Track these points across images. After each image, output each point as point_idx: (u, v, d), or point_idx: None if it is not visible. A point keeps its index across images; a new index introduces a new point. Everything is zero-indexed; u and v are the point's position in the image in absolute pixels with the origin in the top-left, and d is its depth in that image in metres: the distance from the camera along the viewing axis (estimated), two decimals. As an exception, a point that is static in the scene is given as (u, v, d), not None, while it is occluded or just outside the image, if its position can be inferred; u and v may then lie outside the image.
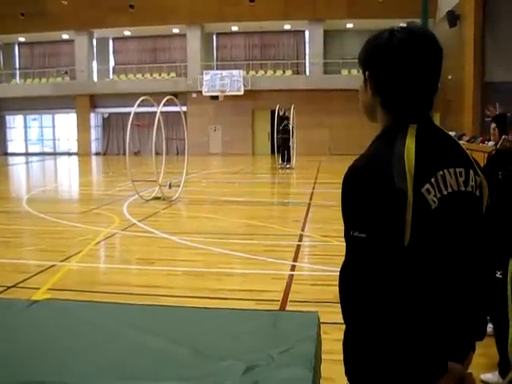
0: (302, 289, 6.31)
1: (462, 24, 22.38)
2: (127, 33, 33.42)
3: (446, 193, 1.55)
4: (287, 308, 5.59)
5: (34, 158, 31.74)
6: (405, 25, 1.63)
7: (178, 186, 14.02)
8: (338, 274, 1.56)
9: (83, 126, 33.27)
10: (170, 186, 13.94)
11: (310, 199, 13.44)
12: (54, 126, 35.54)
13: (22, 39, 34.53)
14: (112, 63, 35.31)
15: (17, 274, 6.88)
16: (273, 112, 25.59)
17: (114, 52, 35.37)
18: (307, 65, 32.52)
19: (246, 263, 7.59)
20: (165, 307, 4.00)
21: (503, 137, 4.15)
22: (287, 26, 32.11)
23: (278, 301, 5.82)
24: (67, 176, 23.77)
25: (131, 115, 13.60)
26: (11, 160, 30.76)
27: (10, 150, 35.48)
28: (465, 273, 1.64)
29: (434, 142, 1.61)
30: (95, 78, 33.94)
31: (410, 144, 1.55)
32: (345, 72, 30.62)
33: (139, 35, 33.42)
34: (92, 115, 33.57)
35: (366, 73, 1.67)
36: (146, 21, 30.55)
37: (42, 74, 34.32)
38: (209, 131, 31.96)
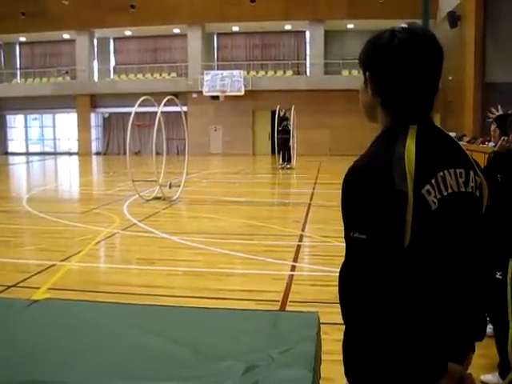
0: (302, 289, 6.31)
1: (462, 24, 22.37)
2: (128, 33, 33.42)
3: (446, 194, 1.55)
4: (287, 308, 5.59)
5: (35, 158, 31.74)
6: (405, 25, 1.63)
7: (179, 186, 14.03)
8: (338, 274, 1.56)
9: (84, 126, 33.27)
10: (170, 186, 13.94)
11: (311, 199, 13.44)
12: (54, 126, 35.53)
13: (22, 39, 34.52)
14: (113, 63, 35.30)
15: (17, 274, 6.88)
16: (273, 112, 25.58)
17: (114, 52, 35.37)
18: (308, 65, 32.52)
19: (246, 263, 7.59)
20: (165, 307, 4.00)
21: (502, 138, 4.13)
22: (288, 27, 32.10)
23: (278, 301, 5.82)
24: (67, 176, 23.78)
25: (132, 115, 13.60)
26: (12, 159, 30.76)
27: (10, 150, 35.47)
28: (465, 273, 1.64)
29: (434, 142, 1.61)
30: (96, 78, 33.95)
31: (411, 145, 1.55)
32: (345, 72, 30.62)
33: (140, 35, 33.42)
34: (92, 115, 33.57)
35: (367, 73, 1.67)
36: (147, 21, 30.55)
37: (42, 74, 34.33)
38: (209, 131, 31.96)
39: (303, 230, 9.72)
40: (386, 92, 1.63)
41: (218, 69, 32.32)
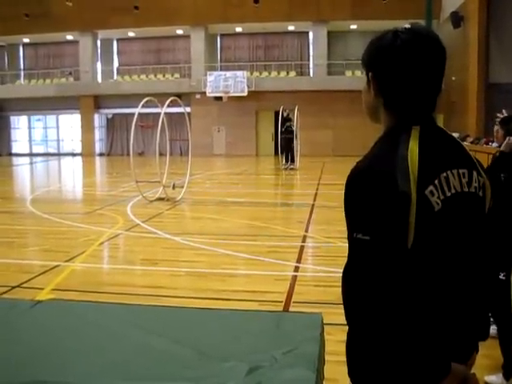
0: (306, 290, 6.30)
1: (466, 25, 22.34)
2: (131, 34, 33.47)
3: (449, 194, 1.55)
4: (290, 309, 5.59)
5: (38, 159, 31.81)
6: (408, 26, 1.63)
7: (182, 186, 14.04)
8: (341, 275, 1.56)
9: (87, 127, 33.34)
10: (173, 187, 13.95)
11: (314, 200, 13.43)
12: (58, 127, 35.60)
13: (26, 40, 34.60)
14: (116, 64, 35.35)
15: (21, 274, 6.90)
16: (277, 113, 25.59)
17: (118, 53, 35.42)
18: (311, 66, 32.51)
19: (250, 264, 7.59)
20: (168, 308, 4.00)
21: (508, 138, 4.13)
22: (291, 27, 32.12)
23: (282, 302, 5.81)
24: (71, 176, 23.82)
25: (135, 116, 13.61)
26: (15, 160, 30.83)
27: (14, 151, 35.56)
28: (468, 274, 1.64)
29: (437, 143, 1.61)
30: (99, 79, 34.03)
31: (414, 146, 1.55)
32: (349, 73, 30.62)
33: (143, 36, 33.47)
34: (96, 116, 33.64)
35: (370, 74, 1.67)
36: (150, 22, 30.59)
37: (46, 75, 34.38)
38: (212, 132, 31.98)
39: (306, 231, 9.72)
40: (388, 92, 1.63)
41: (221, 70, 32.34)
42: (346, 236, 1.54)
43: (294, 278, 6.79)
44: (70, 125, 34.97)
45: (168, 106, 13.75)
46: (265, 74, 32.41)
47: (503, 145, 4.17)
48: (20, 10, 31.02)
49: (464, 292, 1.63)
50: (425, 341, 1.49)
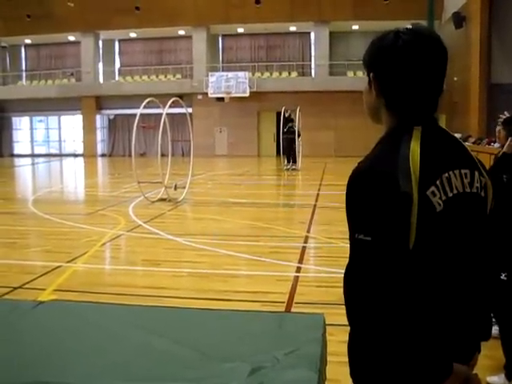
0: (308, 290, 6.30)
1: (468, 25, 22.31)
2: (133, 34, 33.51)
3: (451, 195, 1.55)
4: (292, 310, 5.59)
5: (40, 160, 31.85)
6: (410, 26, 1.63)
7: (184, 187, 14.04)
8: (343, 276, 1.56)
9: (89, 128, 33.37)
10: (175, 188, 13.95)
11: (316, 201, 13.43)
12: (59, 128, 35.64)
13: (28, 41, 34.68)
14: (118, 65, 35.41)
15: (23, 275, 6.90)
16: (278, 114, 25.59)
17: (119, 54, 35.48)
18: (313, 66, 32.51)
19: (252, 265, 7.59)
20: (169, 308, 4.00)
21: (510, 139, 4.13)
22: (293, 28, 32.14)
23: (284, 302, 5.81)
24: (73, 177, 23.84)
25: (137, 117, 13.64)
26: (17, 161, 30.88)
27: (16, 152, 35.60)
28: (470, 274, 1.63)
29: (438, 143, 1.61)
30: (101, 80, 34.05)
31: (415, 146, 1.54)
32: (350, 74, 30.62)
33: (145, 37, 33.51)
34: (98, 117, 33.66)
35: (371, 74, 1.66)
36: (152, 22, 30.62)
37: (48, 76, 34.45)
38: (214, 133, 32.00)
39: (308, 232, 9.71)
40: (390, 93, 1.63)
41: (222, 70, 32.37)
42: (348, 237, 1.54)
43: (296, 278, 6.79)
44: (71, 126, 35.01)
45: (170, 106, 13.74)
46: (266, 74, 32.42)
47: (505, 146, 4.17)
48: (22, 10, 31.07)
49: (466, 292, 1.62)
50: (427, 341, 1.49)
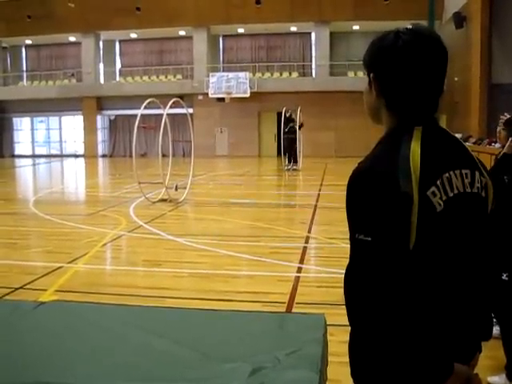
0: (308, 291, 6.30)
1: (468, 25, 22.30)
2: (134, 35, 33.52)
3: (451, 195, 1.55)
4: (293, 310, 5.58)
5: (41, 160, 31.86)
6: (410, 26, 1.63)
7: (185, 187, 14.04)
8: (343, 276, 1.56)
9: (90, 128, 33.37)
10: (176, 188, 13.95)
11: (317, 201, 13.43)
12: (60, 128, 35.63)
13: (28, 42, 34.69)
14: (118, 65, 35.41)
15: (24, 276, 6.90)
16: (279, 114, 25.60)
17: (120, 54, 35.48)
18: (313, 67, 32.51)
19: (252, 265, 7.59)
20: (170, 309, 3.99)
21: (510, 139, 4.12)
22: (293, 28, 32.14)
23: (284, 303, 5.81)
24: (74, 178, 23.85)
25: (138, 117, 13.63)
26: (18, 162, 30.88)
27: (16, 152, 35.60)
28: (470, 274, 1.63)
29: (439, 144, 1.61)
30: (102, 80, 34.05)
31: (415, 146, 1.54)
32: (351, 74, 30.62)
33: (146, 37, 33.51)
34: (98, 117, 33.67)
35: (371, 75, 1.66)
36: (153, 23, 30.63)
37: (48, 77, 34.46)
38: (215, 133, 32.01)
39: (309, 232, 9.71)
40: (390, 93, 1.63)
41: (223, 71, 32.38)
42: (349, 237, 1.54)
43: (297, 278, 6.79)
44: (72, 126, 35.01)
45: (170, 107, 13.74)
46: (267, 74, 32.42)
47: (506, 146, 4.17)
48: (22, 11, 31.09)
49: (466, 292, 1.62)
50: (427, 341, 1.49)
